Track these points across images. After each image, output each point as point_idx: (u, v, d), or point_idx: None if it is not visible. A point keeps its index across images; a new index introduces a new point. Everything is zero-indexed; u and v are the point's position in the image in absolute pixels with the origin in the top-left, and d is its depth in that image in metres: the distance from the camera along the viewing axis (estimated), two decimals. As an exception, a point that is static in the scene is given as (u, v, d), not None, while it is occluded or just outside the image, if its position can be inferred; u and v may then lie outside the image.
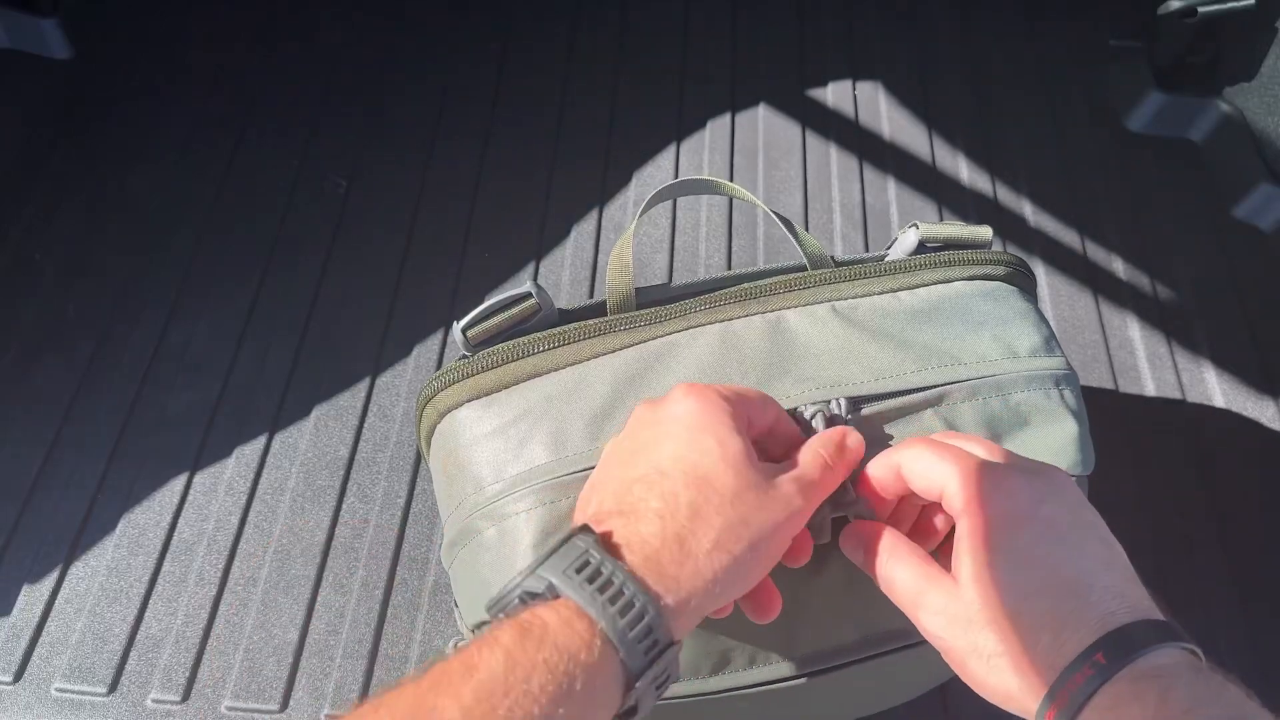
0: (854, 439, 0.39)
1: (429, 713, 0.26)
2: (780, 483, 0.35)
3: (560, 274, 0.81)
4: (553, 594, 0.30)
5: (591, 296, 0.80)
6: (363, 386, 0.74)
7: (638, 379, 0.45)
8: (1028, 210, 0.86)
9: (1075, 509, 0.34)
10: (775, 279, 0.48)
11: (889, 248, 0.53)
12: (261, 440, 0.71)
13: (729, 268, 0.81)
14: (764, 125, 0.92)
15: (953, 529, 0.35)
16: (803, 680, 0.43)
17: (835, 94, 0.95)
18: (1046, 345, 0.48)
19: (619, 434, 0.39)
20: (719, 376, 0.45)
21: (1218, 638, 0.64)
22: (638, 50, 0.98)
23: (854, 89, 0.95)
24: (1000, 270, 0.50)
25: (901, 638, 0.44)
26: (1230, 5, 0.85)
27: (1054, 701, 0.30)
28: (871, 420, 0.43)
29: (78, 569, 0.66)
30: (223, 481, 0.69)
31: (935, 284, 0.49)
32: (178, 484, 0.69)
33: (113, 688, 0.61)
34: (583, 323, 0.46)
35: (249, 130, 0.90)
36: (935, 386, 0.45)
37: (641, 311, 0.47)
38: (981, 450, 0.36)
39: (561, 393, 0.44)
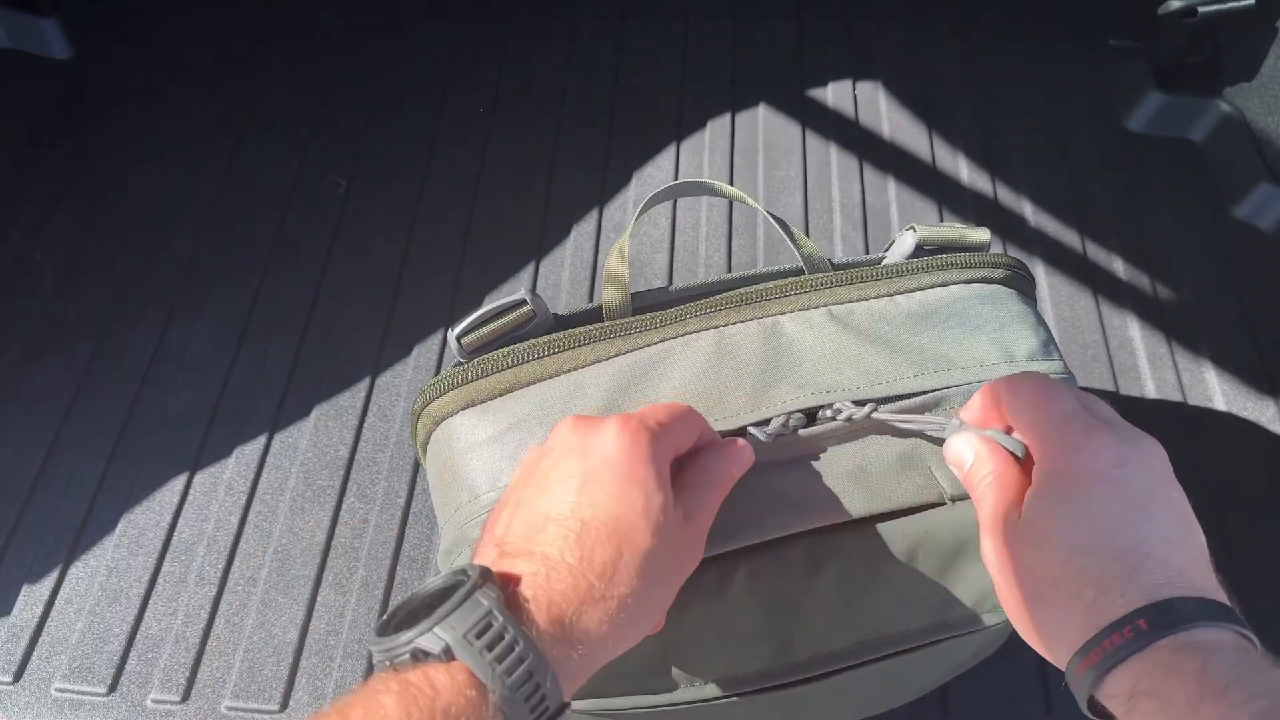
0: (746, 456, 0.39)
1: None
2: (689, 531, 0.35)
3: (560, 274, 0.81)
4: (448, 656, 0.28)
5: (591, 297, 0.80)
6: (363, 386, 0.74)
7: (633, 385, 0.45)
8: (1028, 210, 0.86)
9: (1157, 480, 0.34)
10: (771, 284, 0.48)
11: (886, 250, 0.53)
12: (261, 440, 0.71)
13: (729, 268, 0.81)
14: (764, 125, 0.92)
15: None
16: (800, 687, 0.43)
17: (835, 94, 0.95)
18: (1044, 349, 0.48)
19: (544, 443, 0.37)
20: (714, 383, 0.44)
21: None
22: (638, 50, 0.98)
23: (854, 89, 0.95)
24: (998, 273, 0.50)
25: (897, 642, 0.44)
26: (1230, 5, 0.85)
27: (1085, 657, 0.30)
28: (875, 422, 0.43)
29: (78, 569, 0.66)
30: (223, 481, 0.70)
31: (932, 287, 0.49)
32: (178, 484, 0.69)
33: (113, 688, 0.61)
34: (577, 329, 0.46)
35: (249, 130, 0.90)
36: (932, 391, 0.45)
37: (636, 318, 0.47)
38: (1079, 402, 0.36)
39: (556, 400, 0.44)
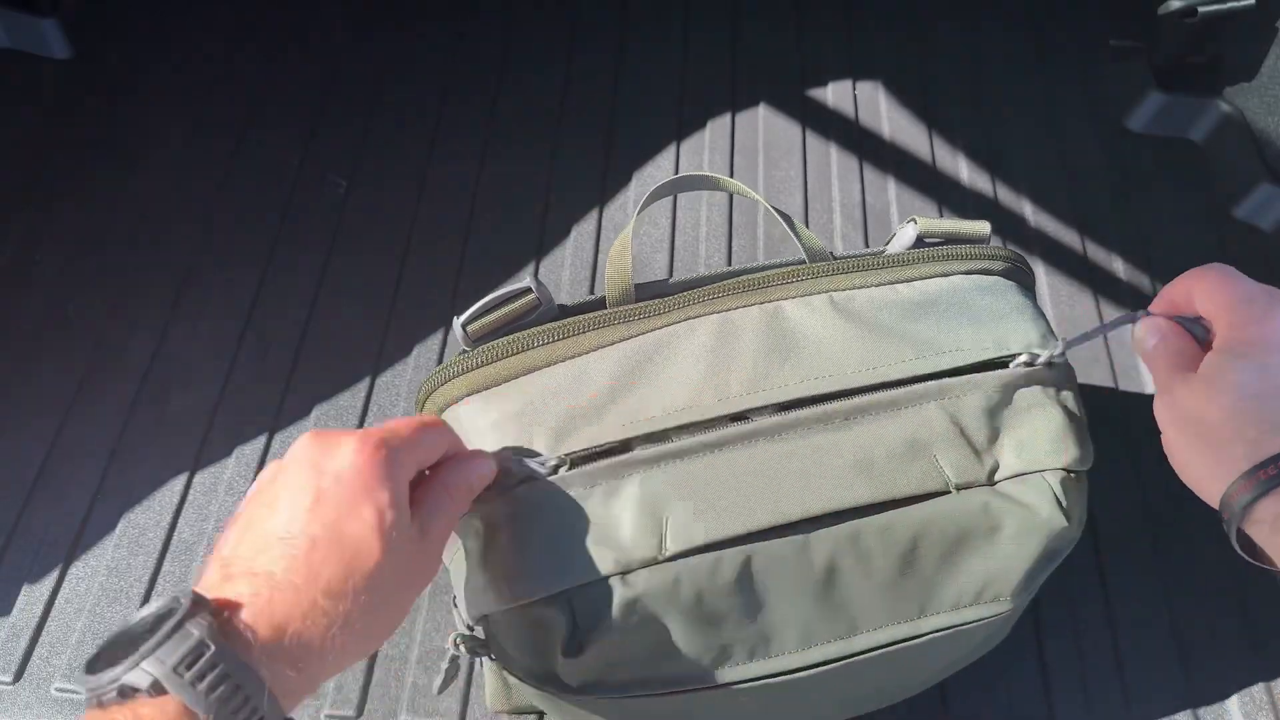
0: (486, 471, 0.40)
1: None
2: (424, 545, 0.35)
3: (560, 273, 0.81)
4: (158, 691, 0.28)
5: (592, 295, 0.80)
6: (363, 386, 0.74)
7: (637, 370, 0.45)
8: (1028, 210, 0.86)
9: None
10: (774, 271, 0.48)
11: (888, 242, 0.53)
12: (261, 440, 0.71)
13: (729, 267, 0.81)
14: (764, 125, 0.92)
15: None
16: (792, 675, 0.44)
17: (835, 94, 0.95)
18: (1043, 340, 0.48)
19: (282, 459, 0.37)
20: (716, 366, 0.45)
21: (1218, 634, 0.64)
22: (638, 49, 0.98)
23: (854, 89, 0.95)
24: (998, 265, 0.51)
25: (893, 633, 0.44)
26: (1230, 5, 0.85)
27: (1243, 484, 0.35)
28: (851, 413, 0.44)
29: (78, 569, 0.66)
30: (223, 481, 0.69)
31: (933, 277, 0.49)
32: (178, 484, 0.69)
33: (113, 688, 0.61)
34: (581, 316, 0.46)
35: (249, 131, 0.90)
36: (932, 376, 0.45)
37: (639, 304, 0.47)
38: (1261, 288, 0.41)
39: (561, 386, 0.45)
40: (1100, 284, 0.82)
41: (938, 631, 0.44)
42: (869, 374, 0.45)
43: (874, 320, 0.47)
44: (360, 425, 0.72)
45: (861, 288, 0.48)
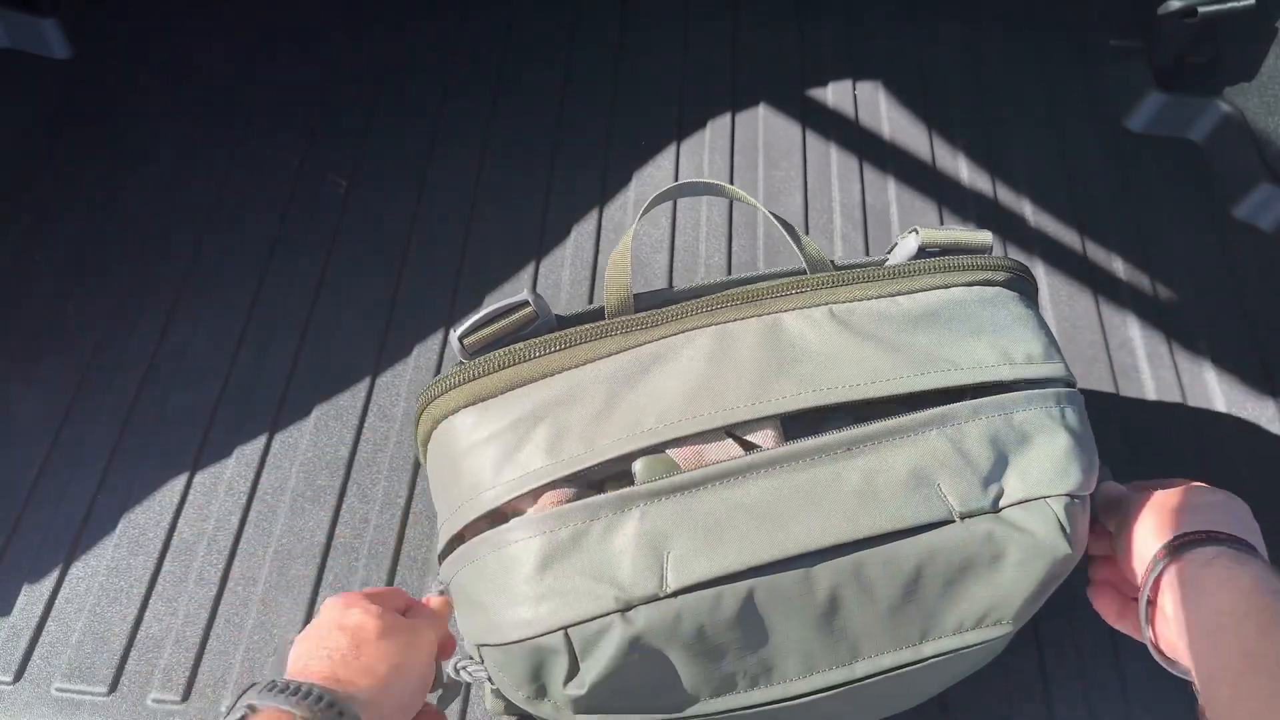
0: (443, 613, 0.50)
1: None
2: (418, 625, 0.46)
3: (560, 274, 0.81)
4: (252, 711, 0.39)
5: (591, 297, 0.80)
6: (363, 386, 0.74)
7: (633, 382, 0.45)
8: (1028, 210, 0.86)
9: (1225, 500, 0.49)
10: (773, 283, 0.48)
11: (889, 252, 0.53)
12: (261, 440, 0.71)
13: (729, 269, 0.81)
14: (764, 125, 0.92)
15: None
16: (793, 702, 0.44)
17: (835, 94, 0.95)
18: (1046, 352, 0.47)
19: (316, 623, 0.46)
20: (714, 379, 0.44)
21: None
22: (638, 49, 0.98)
23: (854, 89, 0.95)
24: (1001, 276, 0.50)
25: (895, 662, 0.44)
26: (1230, 5, 0.85)
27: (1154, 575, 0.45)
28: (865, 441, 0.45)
29: (78, 569, 0.66)
30: (223, 481, 0.69)
31: (935, 289, 0.49)
32: (178, 484, 0.69)
33: (113, 688, 0.61)
34: (578, 328, 0.46)
35: (249, 131, 0.90)
36: (932, 392, 0.45)
37: (636, 315, 0.47)
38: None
39: (557, 398, 0.44)
40: (1100, 284, 0.82)
41: (939, 655, 0.44)
42: (868, 388, 0.44)
43: (874, 333, 0.46)
44: (360, 425, 0.72)
45: (862, 300, 0.48)
